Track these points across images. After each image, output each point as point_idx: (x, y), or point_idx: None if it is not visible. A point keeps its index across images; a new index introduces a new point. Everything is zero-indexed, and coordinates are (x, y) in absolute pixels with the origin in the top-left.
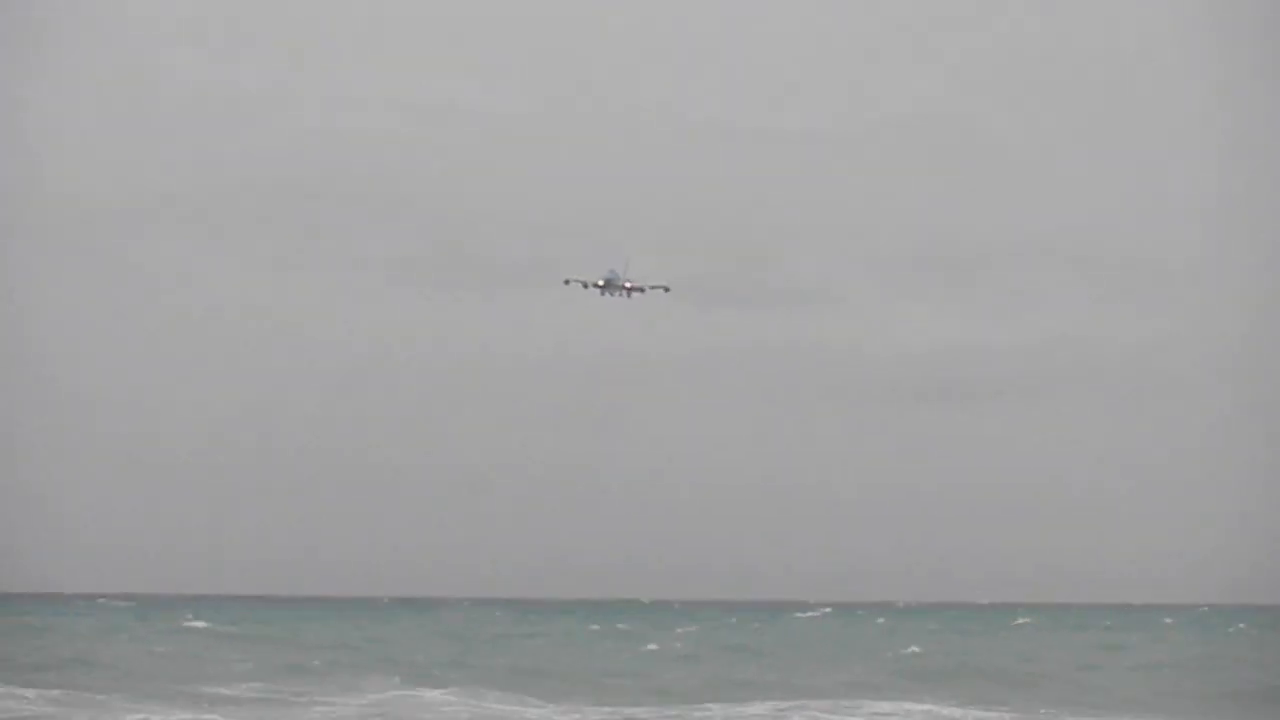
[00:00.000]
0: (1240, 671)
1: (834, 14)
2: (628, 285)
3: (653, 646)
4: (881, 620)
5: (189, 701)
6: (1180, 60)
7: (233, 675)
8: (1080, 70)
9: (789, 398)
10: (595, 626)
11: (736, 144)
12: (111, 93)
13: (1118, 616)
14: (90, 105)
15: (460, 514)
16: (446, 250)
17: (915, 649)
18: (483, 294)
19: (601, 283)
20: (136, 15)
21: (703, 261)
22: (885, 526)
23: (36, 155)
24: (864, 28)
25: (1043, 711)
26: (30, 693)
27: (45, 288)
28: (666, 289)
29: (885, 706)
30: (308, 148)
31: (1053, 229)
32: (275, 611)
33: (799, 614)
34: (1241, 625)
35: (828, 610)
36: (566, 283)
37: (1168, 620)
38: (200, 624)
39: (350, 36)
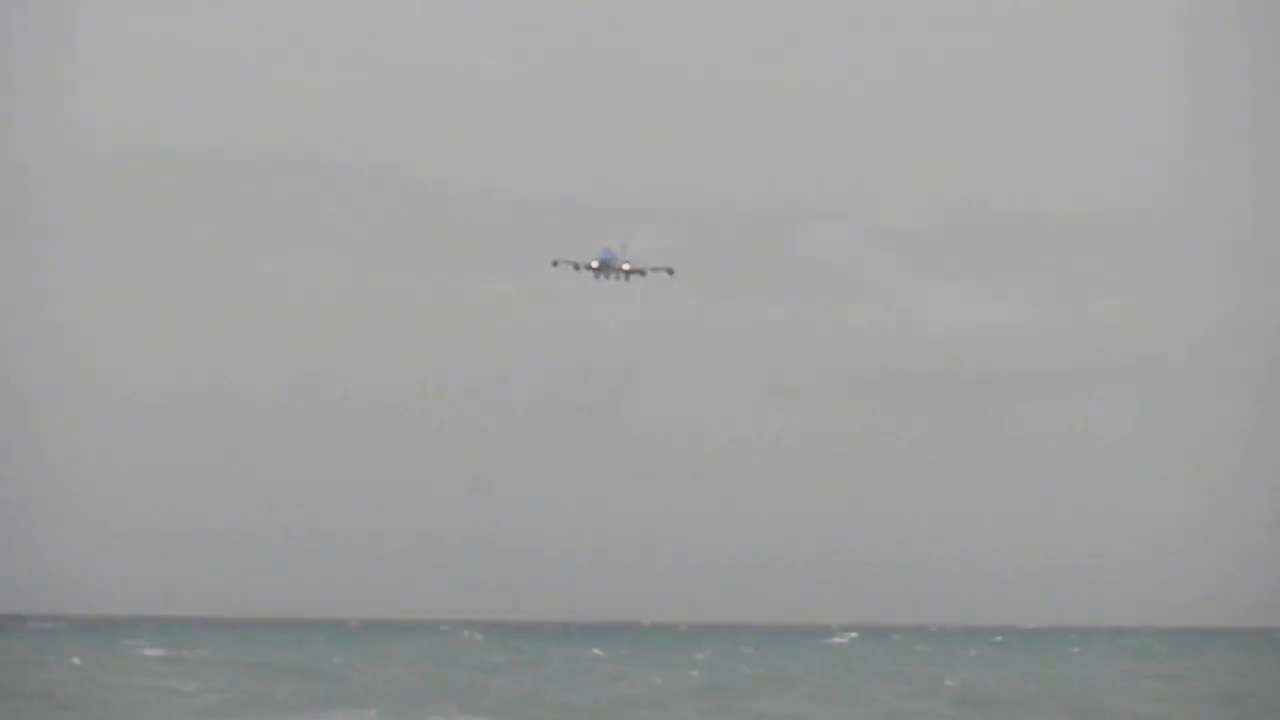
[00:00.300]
0: None
1: None
2: (626, 267)
3: (657, 679)
4: (921, 647)
5: None
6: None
7: (194, 709)
8: (1147, 25)
9: (807, 392)
10: (598, 651)
11: (747, 106)
12: (45, 49)
13: (1174, 640)
14: (21, 63)
15: (435, 525)
16: (420, 228)
17: (958, 678)
18: (460, 277)
19: (595, 264)
20: None
21: (710, 239)
22: (917, 540)
23: None
24: None
25: None
26: None
27: None
28: (670, 271)
29: None
30: (263, 112)
31: (1109, 203)
32: (231, 635)
33: (823, 639)
34: None
35: (853, 635)
36: (555, 264)
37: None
38: (155, 651)
39: None
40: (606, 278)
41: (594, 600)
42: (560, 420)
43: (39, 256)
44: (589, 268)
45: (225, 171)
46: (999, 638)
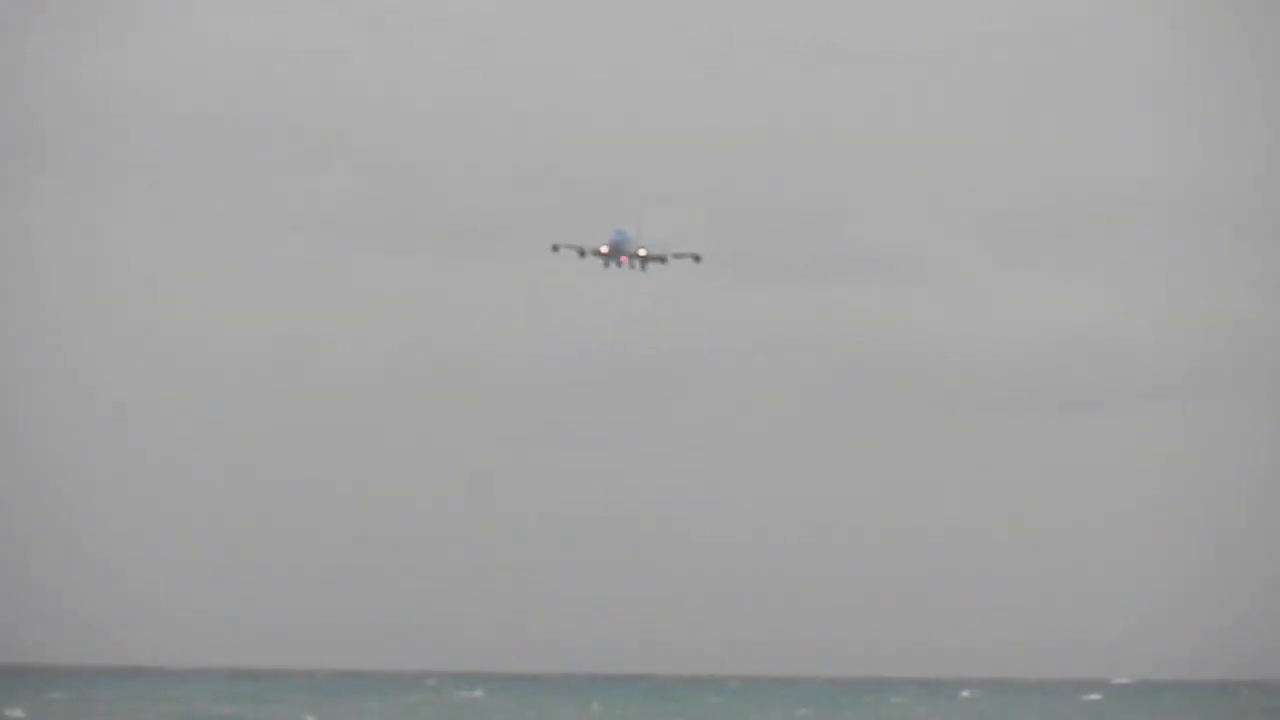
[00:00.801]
0: None
1: None
2: (642, 253)
3: None
4: (994, 704)
5: None
6: None
7: None
8: None
9: (856, 404)
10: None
11: (788, 64)
12: None
13: None
14: None
15: (421, 560)
16: (397, 206)
17: None
18: (443, 264)
19: (604, 249)
20: None
21: (740, 220)
22: (990, 581)
23: None
24: None
25: None
26: None
27: None
28: (697, 258)
29: None
30: (215, 67)
31: (1212, 181)
32: (179, 687)
33: (872, 694)
34: None
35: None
36: (556, 249)
37: None
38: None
39: None
40: (619, 265)
41: (607, 650)
42: (562, 436)
43: None
44: (597, 253)
45: (166, 137)
46: (1094, 695)
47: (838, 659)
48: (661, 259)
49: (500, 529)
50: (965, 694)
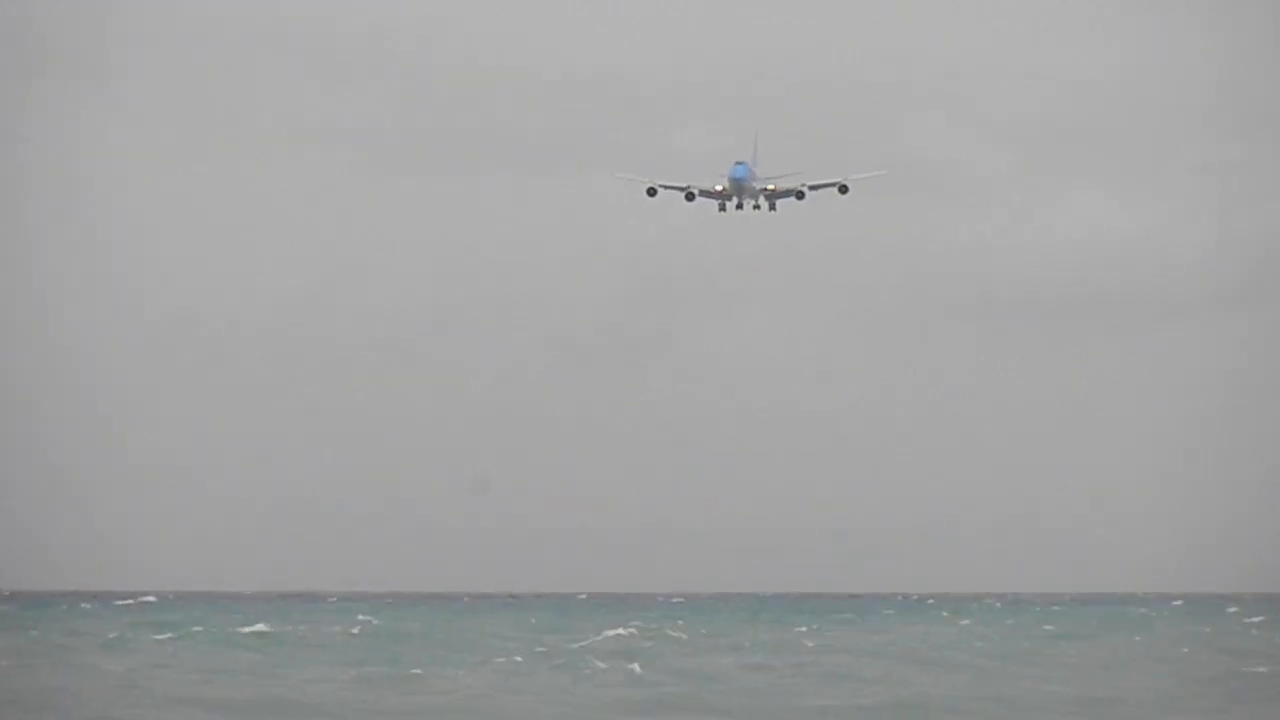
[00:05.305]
0: None
1: None
2: (770, 188)
3: None
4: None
5: None
6: None
7: None
8: None
9: (900, 317)
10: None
11: None
12: None
13: None
14: None
15: (444, 490)
16: (432, 121)
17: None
18: (471, 181)
19: (721, 187)
20: None
21: (781, 133)
22: (1044, 498)
23: None
24: None
25: None
26: None
27: None
28: (844, 189)
29: None
30: None
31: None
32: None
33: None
34: None
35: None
36: (653, 193)
37: None
38: None
39: None
40: (738, 206)
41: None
42: (603, 357)
43: None
44: (710, 193)
45: (186, 52)
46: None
47: (902, 576)
48: (798, 194)
49: (538, 453)
50: (1036, 610)
